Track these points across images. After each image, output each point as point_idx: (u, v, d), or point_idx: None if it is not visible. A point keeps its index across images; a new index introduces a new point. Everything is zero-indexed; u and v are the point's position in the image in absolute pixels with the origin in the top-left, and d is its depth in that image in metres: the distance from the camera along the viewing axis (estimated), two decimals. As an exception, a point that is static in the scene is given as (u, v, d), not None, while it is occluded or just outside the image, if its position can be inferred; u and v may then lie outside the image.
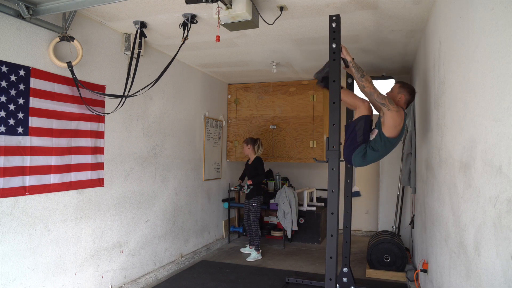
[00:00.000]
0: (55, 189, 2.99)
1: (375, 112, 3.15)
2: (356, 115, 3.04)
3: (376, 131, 2.99)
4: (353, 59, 2.89)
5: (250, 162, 5.34)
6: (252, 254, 5.15)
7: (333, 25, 2.43)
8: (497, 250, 1.31)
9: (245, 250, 5.41)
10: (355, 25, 3.39)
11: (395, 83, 3.18)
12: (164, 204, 4.41)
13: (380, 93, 2.86)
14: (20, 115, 2.71)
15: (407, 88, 3.05)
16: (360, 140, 2.97)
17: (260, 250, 5.28)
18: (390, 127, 2.90)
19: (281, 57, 4.55)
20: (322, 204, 6.44)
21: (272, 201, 5.87)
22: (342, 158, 2.75)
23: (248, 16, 2.75)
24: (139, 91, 3.34)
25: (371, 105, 3.06)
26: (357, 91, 4.49)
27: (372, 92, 2.83)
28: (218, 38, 2.96)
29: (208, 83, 5.54)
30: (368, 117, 2.99)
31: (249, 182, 5.22)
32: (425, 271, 3.13)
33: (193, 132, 5.11)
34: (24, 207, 2.75)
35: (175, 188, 4.64)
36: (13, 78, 2.66)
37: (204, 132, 5.38)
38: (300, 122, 5.85)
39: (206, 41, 3.92)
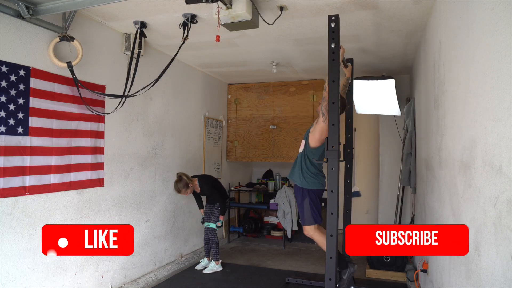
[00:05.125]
0: (55, 189, 2.98)
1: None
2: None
3: (303, 142, 3.27)
4: (343, 62, 3.03)
5: (199, 191, 4.45)
6: (211, 265, 4.49)
7: (332, 25, 2.43)
8: (497, 250, 1.31)
9: (204, 264, 4.59)
10: (355, 25, 3.39)
11: None
12: (164, 204, 4.41)
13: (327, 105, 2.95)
14: (20, 115, 2.71)
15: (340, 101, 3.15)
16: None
17: (220, 261, 4.59)
18: (316, 140, 3.14)
19: (281, 57, 4.55)
20: (322, 204, 6.43)
21: (272, 201, 5.87)
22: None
23: (248, 16, 2.75)
24: (139, 91, 3.34)
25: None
26: (356, 91, 4.50)
27: (325, 98, 2.85)
28: (218, 38, 2.96)
29: (208, 83, 5.53)
30: None
31: (222, 218, 4.47)
32: (425, 271, 3.13)
33: (193, 132, 5.11)
34: (24, 207, 2.75)
35: (175, 188, 4.64)
36: (13, 78, 2.66)
37: (204, 132, 5.38)
38: (300, 122, 5.84)
39: (206, 41, 3.92)
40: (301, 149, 3.32)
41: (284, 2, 2.91)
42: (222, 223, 4.52)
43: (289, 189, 5.80)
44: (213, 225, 4.50)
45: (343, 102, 3.24)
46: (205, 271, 4.46)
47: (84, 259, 3.27)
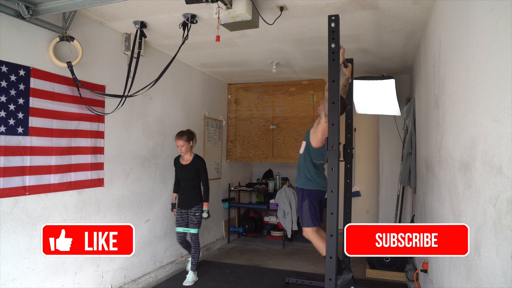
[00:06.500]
0: (55, 189, 2.99)
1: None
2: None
3: (304, 143, 3.20)
4: (343, 63, 2.99)
5: (186, 162, 4.07)
6: (190, 277, 4.05)
7: (332, 25, 2.43)
8: (497, 250, 1.31)
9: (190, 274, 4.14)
10: (355, 25, 3.39)
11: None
12: (164, 204, 4.41)
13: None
14: (20, 115, 2.71)
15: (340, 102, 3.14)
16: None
17: (196, 271, 4.15)
18: (319, 140, 3.13)
19: (281, 57, 4.55)
20: (324, 206, 6.43)
21: (272, 201, 5.87)
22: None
23: (248, 16, 2.75)
24: (139, 91, 3.34)
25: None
26: (357, 91, 4.50)
27: (327, 98, 2.86)
28: (218, 38, 2.96)
29: (208, 83, 5.53)
30: None
31: (206, 205, 4.06)
32: (425, 271, 3.13)
33: (193, 132, 5.11)
34: (24, 207, 2.75)
35: (175, 188, 4.63)
36: (13, 78, 2.66)
37: (204, 132, 5.38)
38: (300, 122, 5.84)
39: (206, 41, 3.92)
40: (301, 151, 3.31)
41: (284, 2, 2.91)
42: (208, 212, 4.07)
43: (289, 189, 5.80)
44: (194, 231, 4.03)
45: (343, 103, 3.24)
46: (185, 284, 4.00)
47: (84, 259, 3.27)
